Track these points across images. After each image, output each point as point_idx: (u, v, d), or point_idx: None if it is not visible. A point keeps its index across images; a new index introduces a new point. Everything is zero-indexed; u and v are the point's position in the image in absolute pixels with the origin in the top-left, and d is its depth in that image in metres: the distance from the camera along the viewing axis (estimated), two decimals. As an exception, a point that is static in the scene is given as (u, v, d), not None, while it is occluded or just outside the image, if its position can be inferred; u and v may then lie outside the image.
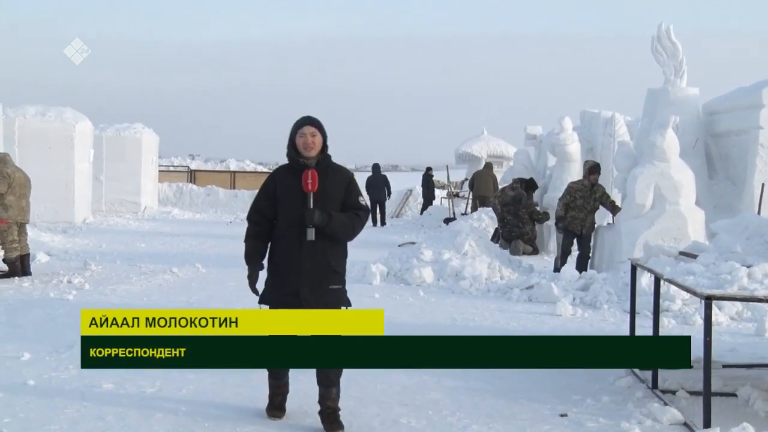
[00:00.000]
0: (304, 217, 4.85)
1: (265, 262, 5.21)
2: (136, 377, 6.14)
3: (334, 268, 5.02)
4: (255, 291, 5.14)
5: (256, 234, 5.17)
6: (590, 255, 12.46)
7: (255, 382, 5.74)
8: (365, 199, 5.31)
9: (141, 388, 5.89)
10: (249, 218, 5.23)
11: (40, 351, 6.96)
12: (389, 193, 24.52)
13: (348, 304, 5.12)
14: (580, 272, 11.34)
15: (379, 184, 23.60)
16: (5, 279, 11.10)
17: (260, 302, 5.12)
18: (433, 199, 26.54)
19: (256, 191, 5.41)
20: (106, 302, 9.55)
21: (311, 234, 4.86)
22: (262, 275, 5.20)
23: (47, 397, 5.64)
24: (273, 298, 5.09)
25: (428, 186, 26.43)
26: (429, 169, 26.95)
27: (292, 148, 5.05)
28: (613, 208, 12.49)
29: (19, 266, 11.36)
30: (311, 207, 4.87)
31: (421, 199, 27.20)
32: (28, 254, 11.72)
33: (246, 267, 5.21)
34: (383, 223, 23.46)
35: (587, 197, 12.34)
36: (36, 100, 22.29)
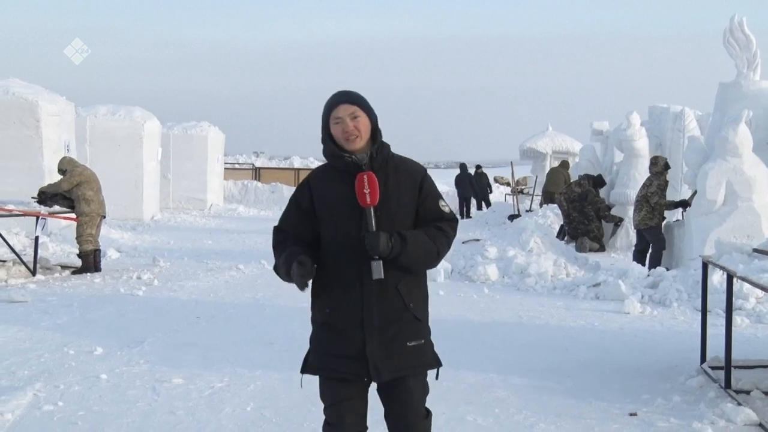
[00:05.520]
0: (366, 246, 3.21)
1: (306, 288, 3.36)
2: (205, 372, 6.24)
3: (413, 314, 3.37)
4: (303, 275, 3.24)
5: (289, 245, 3.38)
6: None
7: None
8: (447, 202, 3.57)
9: (210, 383, 5.97)
10: (274, 240, 3.47)
11: (111, 346, 7.11)
12: (473, 189, 26.55)
13: (437, 363, 3.48)
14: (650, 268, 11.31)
15: (465, 181, 25.91)
16: (78, 275, 11.40)
17: (303, 371, 3.45)
18: (480, 195, 26.66)
19: None
20: (174, 298, 9.73)
21: (378, 270, 3.21)
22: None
23: (119, 391, 5.75)
24: (324, 364, 3.37)
25: (477, 184, 26.55)
26: (478, 167, 27.26)
27: (330, 140, 3.37)
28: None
29: (92, 261, 11.65)
30: (374, 229, 3.23)
31: (473, 201, 27.15)
32: (99, 250, 12.01)
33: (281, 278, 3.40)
34: (468, 215, 25.05)
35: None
36: (106, 99, 22.88)
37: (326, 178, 3.39)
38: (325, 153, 3.39)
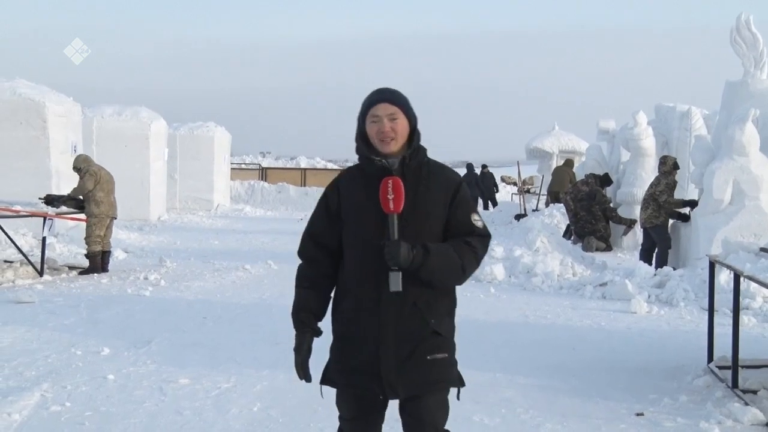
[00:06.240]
0: (385, 255, 3.00)
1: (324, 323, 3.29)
2: (212, 373, 6.25)
3: (433, 329, 3.12)
4: (305, 375, 3.28)
5: (310, 278, 3.26)
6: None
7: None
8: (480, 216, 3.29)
9: (217, 384, 5.97)
10: (301, 252, 3.31)
11: (119, 346, 7.12)
12: (480, 189, 26.66)
13: (459, 383, 3.24)
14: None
15: (471, 181, 25.64)
16: (85, 275, 11.43)
17: (323, 382, 3.31)
18: (486, 195, 26.62)
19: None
20: (181, 298, 9.75)
21: (397, 282, 3.00)
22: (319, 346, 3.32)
23: (126, 392, 5.76)
24: (340, 376, 3.23)
25: (483, 183, 26.56)
26: (484, 166, 27.28)
27: (362, 140, 3.17)
28: None
29: (100, 262, 11.68)
30: (396, 237, 3.02)
31: (480, 201, 27.19)
32: (109, 252, 12.05)
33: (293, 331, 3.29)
34: None
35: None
36: (112, 100, 22.98)
37: (354, 180, 3.20)
38: (358, 152, 3.19)
